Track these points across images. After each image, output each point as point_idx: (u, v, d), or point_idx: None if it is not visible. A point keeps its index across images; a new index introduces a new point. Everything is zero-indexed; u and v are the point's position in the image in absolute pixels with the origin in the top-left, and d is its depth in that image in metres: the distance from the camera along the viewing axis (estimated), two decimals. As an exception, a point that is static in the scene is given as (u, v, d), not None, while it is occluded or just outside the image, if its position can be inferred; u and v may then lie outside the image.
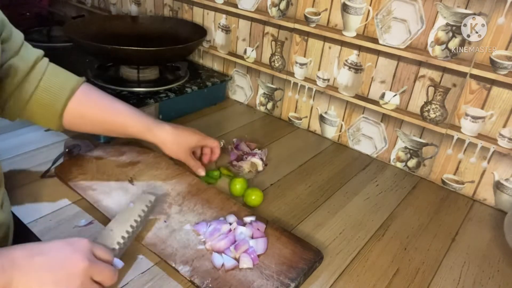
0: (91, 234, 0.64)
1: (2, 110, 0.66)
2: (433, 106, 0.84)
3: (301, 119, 1.08)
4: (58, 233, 0.64)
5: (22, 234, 0.65)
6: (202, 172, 0.78)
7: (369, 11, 0.86)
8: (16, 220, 0.66)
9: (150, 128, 0.73)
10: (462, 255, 0.70)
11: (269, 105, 1.13)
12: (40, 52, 0.68)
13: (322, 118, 1.03)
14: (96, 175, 0.76)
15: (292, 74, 1.04)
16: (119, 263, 0.55)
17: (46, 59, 0.69)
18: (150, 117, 0.75)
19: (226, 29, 1.14)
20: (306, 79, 1.02)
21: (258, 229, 0.65)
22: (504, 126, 0.77)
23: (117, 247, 0.57)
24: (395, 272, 0.65)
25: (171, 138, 0.75)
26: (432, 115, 0.85)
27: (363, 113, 0.95)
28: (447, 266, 0.67)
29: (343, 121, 0.99)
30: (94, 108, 0.71)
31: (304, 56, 1.00)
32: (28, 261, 0.45)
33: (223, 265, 0.59)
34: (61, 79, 0.68)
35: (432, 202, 0.83)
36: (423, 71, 0.83)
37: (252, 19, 1.07)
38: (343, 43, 0.92)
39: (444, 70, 0.80)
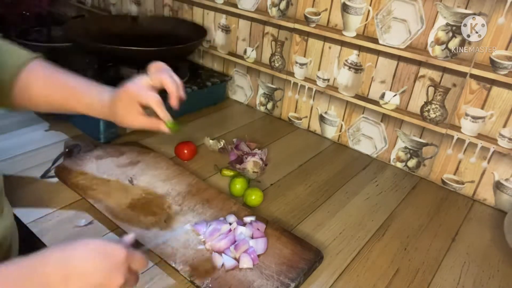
0: (91, 235, 0.64)
1: None
2: (433, 106, 0.84)
3: (301, 119, 1.08)
4: (58, 233, 0.64)
5: (27, 238, 0.64)
6: (164, 128, 0.64)
7: (369, 11, 0.86)
8: (21, 224, 0.65)
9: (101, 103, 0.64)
10: (462, 255, 0.70)
11: (269, 105, 1.13)
12: None
13: (322, 118, 1.03)
14: (96, 175, 0.76)
15: (292, 74, 1.04)
16: None
17: None
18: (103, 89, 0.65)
19: (226, 29, 1.14)
20: (306, 79, 1.02)
21: (258, 229, 0.65)
22: (504, 126, 0.77)
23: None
24: (395, 272, 0.65)
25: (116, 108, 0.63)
26: (432, 115, 0.85)
27: (363, 113, 0.95)
28: (447, 266, 0.67)
29: (343, 121, 0.99)
30: (44, 85, 0.63)
31: (304, 56, 1.00)
32: (64, 286, 0.41)
33: (223, 265, 0.59)
34: (10, 53, 0.63)
35: (432, 202, 0.83)
36: (423, 71, 0.83)
37: (252, 19, 1.07)
38: (343, 43, 0.92)
39: (444, 70, 0.80)
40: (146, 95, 0.62)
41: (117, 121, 0.64)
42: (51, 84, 0.64)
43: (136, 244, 0.51)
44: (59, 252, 0.43)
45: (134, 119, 0.63)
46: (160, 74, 0.63)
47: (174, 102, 0.63)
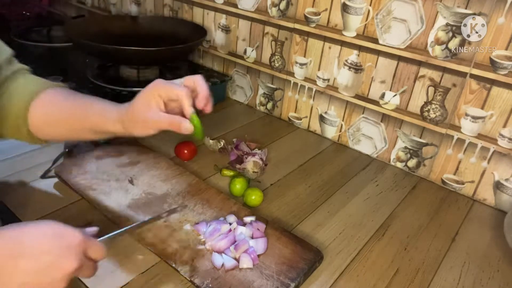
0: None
1: None
2: (433, 106, 0.84)
3: (301, 119, 1.08)
4: (58, 233, 0.64)
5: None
6: (187, 126, 0.59)
7: (369, 11, 0.86)
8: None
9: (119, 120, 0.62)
10: (462, 255, 0.70)
11: (269, 105, 1.13)
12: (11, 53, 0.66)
13: (322, 118, 1.03)
14: (96, 175, 0.76)
15: (292, 74, 1.04)
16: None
17: (20, 66, 0.67)
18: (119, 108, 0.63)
19: (226, 29, 1.14)
20: (306, 79, 1.02)
21: (258, 229, 0.65)
22: (504, 126, 0.77)
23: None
24: (395, 272, 0.65)
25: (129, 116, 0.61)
26: (432, 115, 0.85)
27: (363, 113, 0.95)
28: (447, 266, 0.67)
29: (343, 121, 0.99)
30: (59, 108, 0.64)
31: (304, 56, 1.00)
32: (11, 265, 0.40)
33: (223, 265, 0.59)
34: (26, 83, 0.65)
35: (432, 202, 0.83)
36: (423, 71, 0.83)
37: (252, 19, 1.07)
38: (343, 43, 0.92)
39: (444, 70, 0.80)
40: (176, 87, 0.58)
41: (134, 127, 0.60)
42: (69, 106, 0.64)
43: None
44: (11, 231, 0.42)
45: (153, 114, 0.58)
46: (195, 76, 0.62)
47: (201, 102, 0.61)
